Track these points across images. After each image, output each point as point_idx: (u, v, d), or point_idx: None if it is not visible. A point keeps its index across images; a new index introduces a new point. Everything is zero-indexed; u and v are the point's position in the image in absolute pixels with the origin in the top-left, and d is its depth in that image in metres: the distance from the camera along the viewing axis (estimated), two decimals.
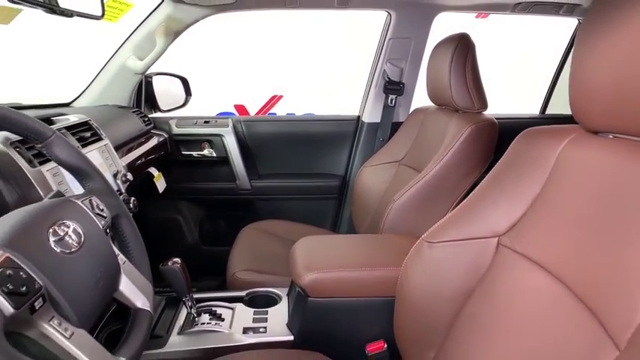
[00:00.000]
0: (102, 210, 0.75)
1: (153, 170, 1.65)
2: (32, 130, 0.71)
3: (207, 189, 2.01)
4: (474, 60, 1.36)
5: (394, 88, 1.85)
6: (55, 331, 0.55)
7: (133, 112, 1.75)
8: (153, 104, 1.91)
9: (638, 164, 0.62)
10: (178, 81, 1.98)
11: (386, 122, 1.90)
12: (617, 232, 0.61)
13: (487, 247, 0.84)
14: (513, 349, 0.71)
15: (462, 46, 1.34)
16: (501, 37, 4.12)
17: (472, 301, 0.84)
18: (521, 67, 4.22)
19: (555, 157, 0.76)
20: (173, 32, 1.66)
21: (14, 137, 0.89)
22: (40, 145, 0.74)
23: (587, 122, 0.73)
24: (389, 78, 1.84)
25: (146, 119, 1.79)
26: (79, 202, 0.71)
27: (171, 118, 1.95)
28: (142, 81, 1.83)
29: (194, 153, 1.96)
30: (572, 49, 0.72)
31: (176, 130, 1.93)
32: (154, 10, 1.63)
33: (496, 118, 1.38)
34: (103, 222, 0.73)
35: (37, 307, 0.53)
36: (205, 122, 1.95)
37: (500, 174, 0.87)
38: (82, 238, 0.65)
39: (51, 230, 0.61)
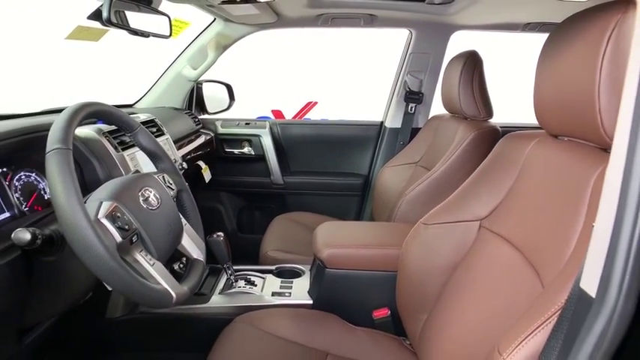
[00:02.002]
0: (170, 184, 1.01)
1: (201, 163, 1.92)
2: (125, 122, 0.98)
3: (246, 182, 2.27)
4: (481, 74, 1.55)
5: (414, 97, 2.06)
6: (143, 259, 0.79)
7: (186, 113, 2.04)
8: (202, 107, 2.21)
9: (581, 161, 0.80)
10: (224, 87, 2.25)
11: (406, 127, 2.11)
12: (560, 212, 0.79)
13: (471, 228, 1.04)
14: (479, 307, 0.90)
15: (470, 62, 1.53)
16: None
17: (457, 272, 1.03)
18: None
19: (524, 157, 0.95)
20: (222, 46, 1.94)
21: (105, 128, 1.17)
22: (129, 134, 1.00)
23: (548, 128, 0.92)
24: (409, 88, 2.05)
25: (196, 120, 2.07)
26: (155, 176, 0.97)
27: (217, 119, 2.24)
28: (193, 87, 2.12)
29: (235, 150, 2.24)
30: (536, 66, 0.90)
31: (221, 130, 2.21)
32: (206, 28, 1.92)
33: (506, 127, 1.56)
34: (171, 193, 0.99)
35: (133, 241, 0.78)
36: (246, 124, 2.22)
37: (484, 170, 1.07)
38: (160, 201, 0.90)
39: (140, 192, 0.86)
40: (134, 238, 0.79)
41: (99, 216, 0.74)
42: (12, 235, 0.70)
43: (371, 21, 1.83)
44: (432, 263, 1.08)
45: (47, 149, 0.71)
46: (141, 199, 0.85)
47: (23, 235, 0.69)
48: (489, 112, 1.57)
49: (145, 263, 0.79)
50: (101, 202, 0.77)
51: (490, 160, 1.07)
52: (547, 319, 0.62)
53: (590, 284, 0.50)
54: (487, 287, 0.91)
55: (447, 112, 1.81)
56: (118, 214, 0.77)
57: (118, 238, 0.74)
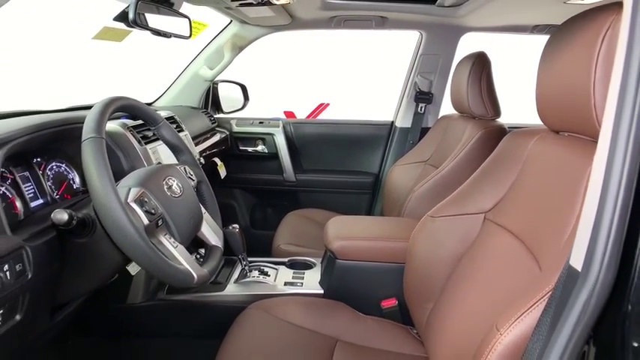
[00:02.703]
0: (191, 175, 1.07)
1: (216, 160, 1.99)
2: (150, 117, 1.04)
3: (259, 180, 2.34)
4: (489, 74, 1.59)
5: (424, 98, 2.11)
6: (167, 241, 0.86)
7: (202, 112, 2.11)
8: (217, 106, 2.28)
9: (579, 155, 0.84)
10: (239, 87, 2.32)
11: (416, 127, 2.16)
12: (558, 202, 0.84)
13: (476, 220, 1.08)
14: (482, 295, 0.94)
15: (478, 63, 1.58)
16: None
17: (462, 263, 1.07)
18: None
19: (527, 152, 1.00)
20: (238, 47, 2.01)
21: (129, 123, 1.24)
22: (153, 128, 1.07)
23: (549, 124, 0.96)
24: (419, 89, 2.10)
25: (212, 118, 2.14)
26: (178, 167, 1.03)
27: (232, 118, 2.31)
28: (210, 87, 2.20)
29: (249, 148, 2.31)
30: (538, 65, 0.95)
31: (235, 129, 2.28)
32: (223, 29, 1.99)
33: (513, 128, 1.59)
34: (192, 183, 1.05)
35: (159, 224, 0.85)
36: (260, 123, 2.29)
37: (489, 166, 1.11)
38: (182, 190, 0.96)
39: (164, 181, 0.93)
40: (159, 222, 0.85)
41: (128, 200, 0.81)
42: (52, 215, 0.77)
43: (382, 23, 1.89)
44: (438, 254, 1.12)
45: (83, 138, 0.78)
46: (165, 187, 0.92)
47: (61, 215, 0.76)
48: (497, 112, 1.61)
49: (169, 245, 0.86)
50: (130, 188, 0.83)
51: (495, 156, 1.11)
52: (541, 297, 0.66)
53: (577, 260, 0.55)
54: (489, 276, 0.95)
55: (456, 112, 1.85)
56: (145, 200, 0.83)
57: (145, 220, 0.81)
